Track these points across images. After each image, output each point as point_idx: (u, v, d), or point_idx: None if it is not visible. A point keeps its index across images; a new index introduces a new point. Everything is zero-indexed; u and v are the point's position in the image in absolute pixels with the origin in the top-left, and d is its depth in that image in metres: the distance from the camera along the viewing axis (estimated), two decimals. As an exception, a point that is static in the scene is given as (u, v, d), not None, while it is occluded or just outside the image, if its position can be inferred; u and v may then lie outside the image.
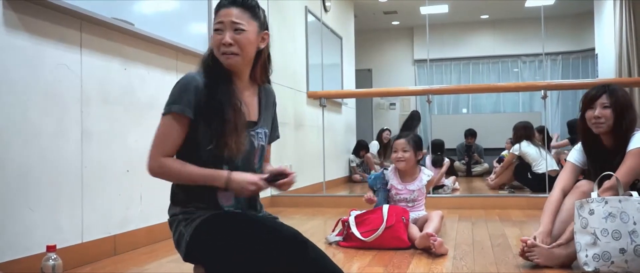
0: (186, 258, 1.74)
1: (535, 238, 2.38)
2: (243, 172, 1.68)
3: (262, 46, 1.78)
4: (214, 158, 1.68)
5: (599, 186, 2.30)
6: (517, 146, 6.06)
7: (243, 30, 1.68)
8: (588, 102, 2.46)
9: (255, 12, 1.73)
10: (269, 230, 1.60)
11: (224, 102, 1.67)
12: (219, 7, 1.72)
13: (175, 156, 1.71)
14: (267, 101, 1.88)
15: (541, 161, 5.71)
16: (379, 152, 8.18)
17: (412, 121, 7.21)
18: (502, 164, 6.38)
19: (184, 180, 1.68)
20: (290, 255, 1.53)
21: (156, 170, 1.67)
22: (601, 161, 2.46)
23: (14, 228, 2.26)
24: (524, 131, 6.09)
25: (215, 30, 1.70)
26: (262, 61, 1.81)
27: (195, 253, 1.70)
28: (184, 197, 1.74)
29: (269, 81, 1.89)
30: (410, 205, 3.23)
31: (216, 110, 1.65)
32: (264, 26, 1.77)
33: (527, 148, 5.93)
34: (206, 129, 1.67)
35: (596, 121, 2.41)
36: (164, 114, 1.67)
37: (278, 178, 1.70)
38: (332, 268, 1.59)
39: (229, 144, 1.64)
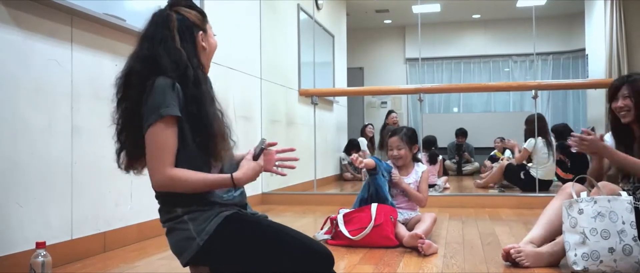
0: (192, 261, 1.68)
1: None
2: (241, 167, 1.72)
3: None
4: (202, 153, 1.67)
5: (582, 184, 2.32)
6: (532, 141, 5.44)
7: None
8: (611, 94, 2.52)
9: None
10: (300, 243, 1.67)
11: (210, 114, 1.68)
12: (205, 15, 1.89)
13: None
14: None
15: (546, 164, 5.38)
16: (368, 146, 8.22)
17: None
18: (517, 156, 5.84)
19: (192, 189, 1.64)
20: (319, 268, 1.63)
21: (167, 183, 1.61)
22: (629, 149, 2.47)
23: (3, 225, 2.24)
24: (539, 124, 5.34)
25: (215, 34, 1.87)
26: None
27: (210, 254, 1.66)
28: (183, 196, 1.66)
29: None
30: (407, 198, 3.26)
31: (204, 121, 1.66)
32: None
33: (542, 148, 5.47)
34: (191, 127, 1.65)
35: (621, 111, 2.47)
36: (155, 122, 1.59)
37: (261, 151, 1.80)
38: None
39: (221, 154, 1.68)
